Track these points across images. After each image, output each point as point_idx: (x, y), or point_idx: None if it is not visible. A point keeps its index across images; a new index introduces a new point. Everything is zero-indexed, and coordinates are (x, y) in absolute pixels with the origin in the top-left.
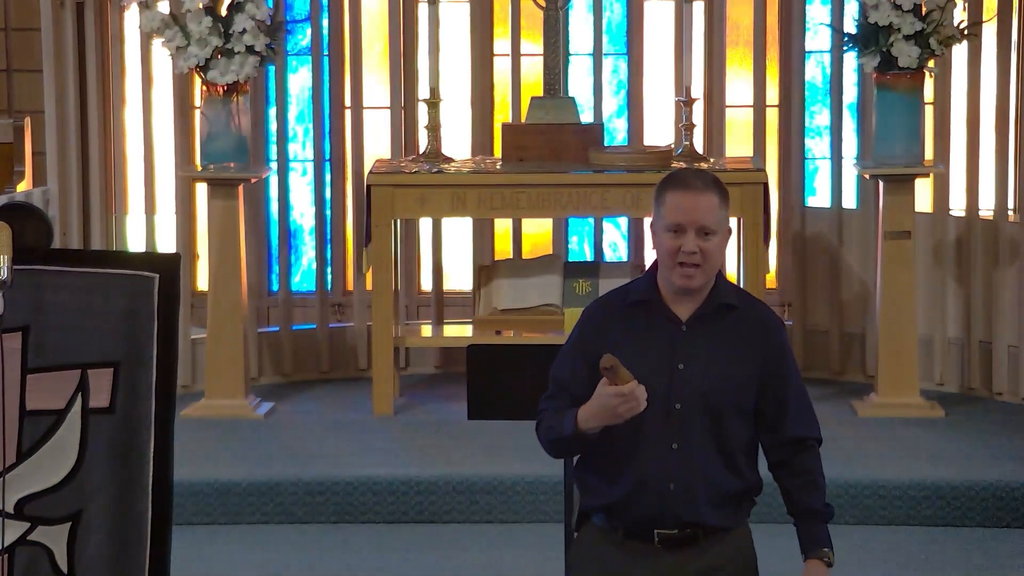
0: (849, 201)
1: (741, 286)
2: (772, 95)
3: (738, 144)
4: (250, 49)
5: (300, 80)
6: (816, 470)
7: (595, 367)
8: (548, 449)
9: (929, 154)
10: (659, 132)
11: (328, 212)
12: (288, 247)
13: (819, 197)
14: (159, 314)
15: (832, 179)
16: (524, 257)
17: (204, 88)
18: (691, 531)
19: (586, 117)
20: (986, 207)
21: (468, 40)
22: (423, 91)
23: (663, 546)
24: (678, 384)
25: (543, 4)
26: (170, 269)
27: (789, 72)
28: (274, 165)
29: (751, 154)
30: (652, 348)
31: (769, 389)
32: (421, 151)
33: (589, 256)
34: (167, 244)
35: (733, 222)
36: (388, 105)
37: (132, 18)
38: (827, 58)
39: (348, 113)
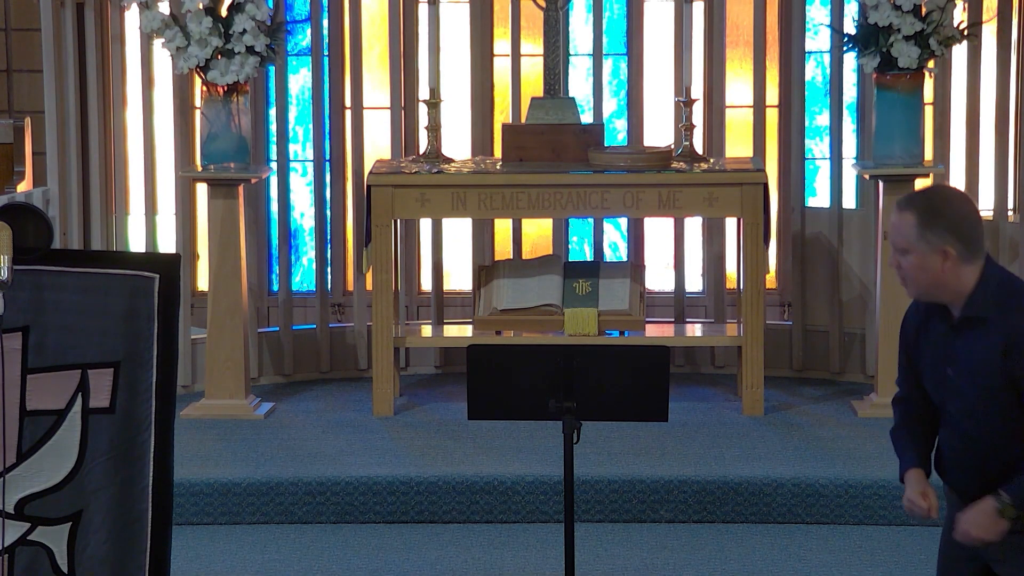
0: (849, 201)
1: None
2: (772, 95)
3: (738, 144)
4: (250, 49)
5: (300, 80)
6: None
7: (912, 360)
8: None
9: (929, 154)
10: (659, 132)
11: (328, 212)
12: (288, 247)
13: (819, 197)
14: (159, 314)
15: (832, 179)
16: (524, 257)
17: (204, 88)
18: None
19: (586, 117)
20: (986, 207)
21: (468, 40)
22: (423, 91)
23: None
24: (948, 386)
25: (543, 4)
26: (170, 269)
27: (789, 72)
28: (274, 165)
29: (751, 154)
30: (931, 350)
31: (1017, 390)
32: (421, 151)
33: (589, 256)
34: (167, 244)
35: (732, 223)
36: (388, 105)
37: (132, 18)
38: (827, 58)
39: (348, 113)
